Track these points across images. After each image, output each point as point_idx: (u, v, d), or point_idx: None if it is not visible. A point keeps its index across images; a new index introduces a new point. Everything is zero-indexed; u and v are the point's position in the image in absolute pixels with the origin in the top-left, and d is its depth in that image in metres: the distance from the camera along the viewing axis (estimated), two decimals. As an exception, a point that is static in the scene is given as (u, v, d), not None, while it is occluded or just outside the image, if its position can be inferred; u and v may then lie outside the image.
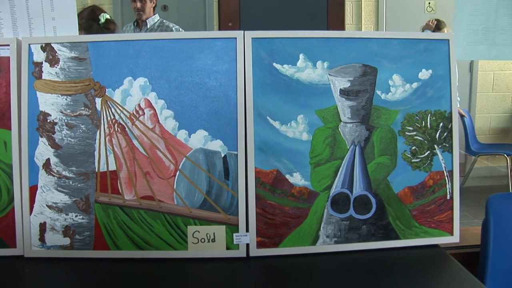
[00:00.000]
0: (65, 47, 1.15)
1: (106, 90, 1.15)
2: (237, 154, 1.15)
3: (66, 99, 1.15)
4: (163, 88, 1.15)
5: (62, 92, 1.15)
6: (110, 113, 1.16)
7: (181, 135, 1.15)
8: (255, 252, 1.15)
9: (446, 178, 1.22)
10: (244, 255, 1.15)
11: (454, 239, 1.22)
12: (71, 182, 1.15)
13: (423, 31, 3.58)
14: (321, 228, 1.17)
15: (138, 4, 3.24)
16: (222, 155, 1.16)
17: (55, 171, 1.15)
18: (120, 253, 1.15)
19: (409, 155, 1.21)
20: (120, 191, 1.16)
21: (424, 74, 1.21)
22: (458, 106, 3.75)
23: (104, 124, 1.16)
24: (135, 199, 1.16)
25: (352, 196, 1.18)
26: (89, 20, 2.47)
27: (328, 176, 1.18)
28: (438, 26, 3.61)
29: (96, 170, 1.15)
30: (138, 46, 1.16)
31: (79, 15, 2.41)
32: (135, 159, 1.16)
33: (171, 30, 3.24)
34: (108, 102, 1.15)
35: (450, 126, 1.22)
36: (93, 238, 1.15)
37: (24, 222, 1.15)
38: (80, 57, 1.15)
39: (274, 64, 1.16)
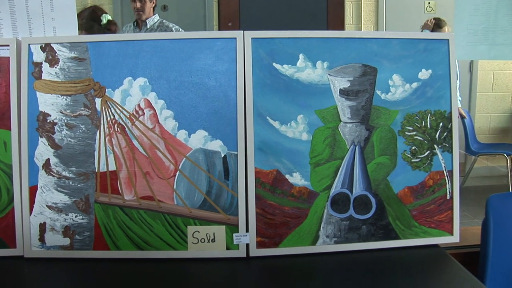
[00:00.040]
0: (65, 47, 1.15)
1: (106, 90, 1.15)
2: (237, 154, 1.15)
3: (66, 99, 1.15)
4: (163, 88, 1.15)
5: (62, 92, 1.15)
6: (110, 113, 1.16)
7: (181, 135, 1.15)
8: (255, 252, 1.15)
9: (446, 178, 1.22)
10: (244, 255, 1.15)
11: (454, 239, 1.22)
12: (71, 182, 1.15)
13: (422, 30, 3.58)
14: (321, 228, 1.17)
15: (138, 4, 3.24)
16: (222, 155, 1.16)
17: (55, 171, 1.15)
18: (120, 253, 1.15)
19: (409, 155, 1.21)
20: (120, 191, 1.16)
21: (424, 74, 1.21)
22: (460, 106, 3.76)
23: (104, 124, 1.16)
24: (135, 199, 1.16)
25: (352, 196, 1.18)
26: (90, 21, 2.46)
27: (328, 176, 1.18)
28: (438, 24, 3.60)
29: (96, 170, 1.15)
30: (138, 46, 1.16)
31: (79, 15, 2.41)
32: (135, 159, 1.16)
33: (171, 30, 3.24)
34: (108, 102, 1.15)
35: (450, 126, 1.22)
36: (93, 238, 1.15)
37: (24, 222, 1.15)
38: (79, 57, 1.15)
39: (274, 64, 1.16)
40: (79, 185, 1.15)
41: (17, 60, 1.15)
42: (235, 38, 1.16)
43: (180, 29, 3.27)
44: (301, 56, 1.17)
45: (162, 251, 1.15)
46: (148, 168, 1.16)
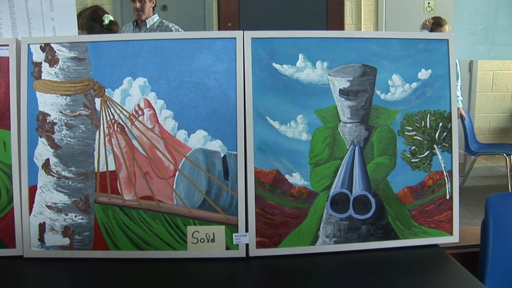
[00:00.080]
0: (65, 47, 1.15)
1: (106, 90, 1.15)
2: (236, 154, 1.15)
3: (65, 99, 1.15)
4: (162, 88, 1.15)
5: (61, 92, 1.15)
6: (110, 113, 1.16)
7: (181, 135, 1.15)
8: (254, 252, 1.15)
9: (446, 178, 1.22)
10: (244, 255, 1.15)
11: (453, 239, 1.22)
12: (70, 182, 1.15)
13: (421, 31, 3.57)
14: (321, 228, 1.17)
15: (138, 4, 3.24)
16: (222, 155, 1.15)
17: (55, 171, 1.15)
18: (119, 253, 1.15)
19: (408, 155, 1.21)
20: (119, 191, 1.16)
21: (424, 74, 1.21)
22: (461, 106, 3.76)
23: (103, 124, 1.16)
24: (134, 199, 1.16)
25: (352, 196, 1.18)
26: (91, 21, 2.45)
27: (327, 176, 1.18)
28: (438, 23, 3.58)
29: (96, 170, 1.15)
30: (138, 46, 1.16)
31: (80, 14, 2.40)
32: (134, 159, 1.16)
33: (171, 30, 3.24)
34: (108, 102, 1.15)
35: (449, 126, 1.22)
36: (93, 238, 1.15)
37: (23, 222, 1.15)
38: (79, 57, 1.15)
39: (274, 64, 1.16)
40: (78, 185, 1.15)
41: (16, 60, 1.15)
42: (235, 38, 1.16)
43: (180, 29, 3.27)
44: (300, 56, 1.17)
45: (162, 251, 1.15)
46: (147, 168, 1.16)
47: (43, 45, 1.15)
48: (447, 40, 1.22)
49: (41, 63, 1.15)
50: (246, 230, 1.15)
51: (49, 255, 1.15)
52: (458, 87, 3.71)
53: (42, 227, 1.15)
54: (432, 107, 1.21)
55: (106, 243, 1.15)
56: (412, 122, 1.20)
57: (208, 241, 1.15)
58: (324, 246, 1.17)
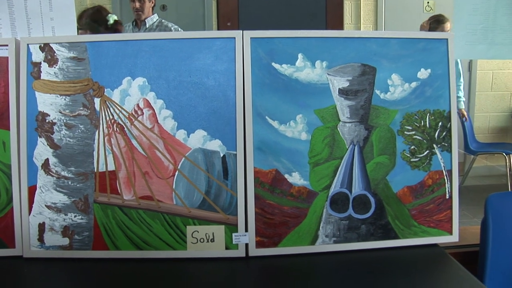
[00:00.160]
0: (64, 47, 1.15)
1: (105, 90, 1.15)
2: (236, 154, 1.15)
3: (64, 99, 1.15)
4: (162, 88, 1.15)
5: (60, 92, 1.15)
6: (109, 113, 1.16)
7: (180, 135, 1.15)
8: (254, 252, 1.15)
9: (445, 178, 1.22)
10: (243, 255, 1.15)
11: (453, 238, 1.22)
12: (70, 182, 1.15)
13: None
14: (320, 228, 1.17)
15: (137, 4, 3.24)
16: (221, 155, 1.15)
17: (54, 171, 1.15)
18: (119, 253, 1.15)
19: (408, 155, 1.21)
20: (119, 191, 1.16)
21: (423, 74, 1.21)
22: (464, 107, 3.76)
23: (103, 124, 1.16)
24: (134, 199, 1.16)
25: (351, 196, 1.18)
26: (95, 21, 2.43)
27: (327, 176, 1.18)
28: (440, 20, 3.56)
29: (95, 170, 1.15)
30: (137, 46, 1.16)
31: (82, 14, 2.39)
32: (134, 159, 1.16)
33: (170, 30, 3.24)
34: (107, 102, 1.15)
35: (449, 125, 1.22)
36: (92, 238, 1.15)
37: (23, 222, 1.15)
38: (78, 57, 1.15)
39: (273, 63, 1.16)
40: (78, 185, 1.15)
41: (16, 60, 1.15)
42: (234, 37, 1.16)
43: (179, 29, 3.27)
44: (300, 55, 1.17)
45: (161, 251, 1.15)
46: (147, 168, 1.16)
47: (42, 45, 1.15)
48: (447, 39, 1.22)
49: (40, 63, 1.15)
50: (246, 230, 1.15)
51: (48, 255, 1.15)
52: (461, 87, 3.70)
53: (41, 227, 1.15)
54: (431, 107, 1.21)
55: (105, 243, 1.15)
56: (411, 121, 1.20)
57: (207, 241, 1.15)
58: (323, 245, 1.17)
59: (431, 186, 1.21)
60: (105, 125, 1.16)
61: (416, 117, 1.21)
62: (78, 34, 2.16)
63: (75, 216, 1.15)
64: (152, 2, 3.30)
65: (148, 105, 1.15)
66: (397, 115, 1.20)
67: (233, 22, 4.34)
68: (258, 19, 4.35)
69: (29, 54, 1.15)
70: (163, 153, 1.16)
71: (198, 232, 1.15)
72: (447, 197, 1.22)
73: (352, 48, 1.18)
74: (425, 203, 1.21)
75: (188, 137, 1.15)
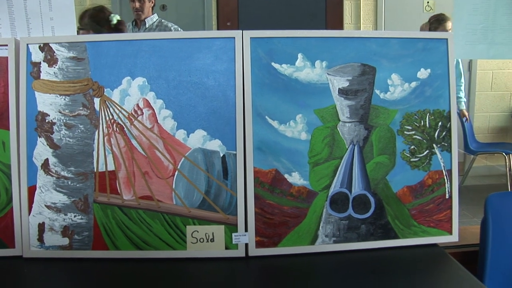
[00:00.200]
0: (64, 47, 1.15)
1: (105, 90, 1.15)
2: (235, 154, 1.15)
3: (64, 99, 1.15)
4: (161, 87, 1.15)
5: (60, 92, 1.15)
6: (109, 113, 1.16)
7: (180, 134, 1.15)
8: (254, 251, 1.15)
9: (445, 177, 1.22)
10: (243, 254, 1.15)
11: (453, 238, 1.22)
12: (69, 182, 1.15)
13: None
14: (320, 228, 1.17)
15: (137, 4, 3.23)
16: (221, 154, 1.15)
17: (54, 171, 1.15)
18: (119, 253, 1.15)
19: (408, 155, 1.21)
20: (118, 191, 1.15)
21: (423, 73, 1.21)
22: (465, 107, 3.75)
23: (102, 124, 1.15)
24: (133, 199, 1.16)
25: (351, 196, 1.18)
26: (94, 22, 2.41)
27: (327, 176, 1.18)
28: (441, 19, 3.55)
29: (95, 170, 1.15)
30: (137, 46, 1.15)
31: (84, 14, 2.38)
32: (133, 159, 1.16)
33: (170, 30, 3.23)
34: (107, 102, 1.15)
35: (448, 125, 1.22)
36: (92, 238, 1.15)
37: (22, 222, 1.15)
38: (78, 57, 1.15)
39: (273, 63, 1.16)
40: (78, 185, 1.15)
41: (15, 60, 1.15)
42: (234, 37, 1.16)
43: (179, 29, 3.26)
44: (300, 55, 1.17)
45: (161, 251, 1.15)
46: (147, 168, 1.16)
47: (42, 45, 1.15)
48: (446, 39, 1.22)
49: (40, 63, 1.15)
50: (246, 230, 1.15)
51: (48, 255, 1.15)
52: (462, 87, 3.69)
53: (41, 227, 1.15)
54: (431, 107, 1.21)
55: (105, 243, 1.15)
56: (411, 121, 1.20)
57: (207, 241, 1.15)
58: (323, 245, 1.17)
59: (431, 186, 1.21)
60: (104, 125, 1.15)
61: (416, 117, 1.21)
62: (80, 34, 2.16)
63: (75, 216, 1.15)
64: (152, 2, 3.30)
65: (148, 105, 1.15)
66: (397, 115, 1.20)
67: (233, 22, 4.34)
68: (258, 19, 4.35)
69: (28, 54, 1.15)
70: (163, 153, 1.16)
71: (198, 232, 1.15)
72: (447, 197, 1.22)
73: (352, 48, 1.18)
74: (425, 203, 1.21)
75: (188, 137, 1.15)
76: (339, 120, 1.18)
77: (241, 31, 1.16)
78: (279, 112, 1.16)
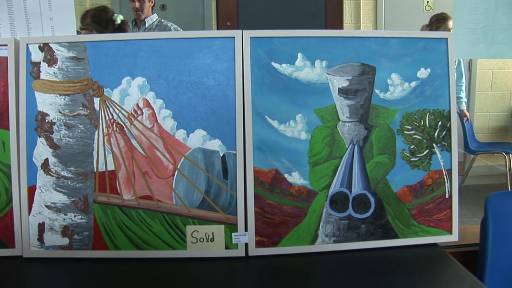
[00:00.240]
0: (63, 47, 1.15)
1: (104, 89, 1.15)
2: (235, 154, 1.15)
3: (64, 99, 1.15)
4: (161, 87, 1.15)
5: (60, 92, 1.15)
6: (109, 113, 1.15)
7: (180, 134, 1.15)
8: (254, 251, 1.15)
9: (445, 177, 1.22)
10: (243, 254, 1.15)
11: (453, 238, 1.22)
12: (69, 182, 1.15)
13: None
14: (320, 227, 1.17)
15: (137, 4, 3.23)
16: (221, 154, 1.15)
17: (54, 171, 1.15)
18: (119, 253, 1.15)
19: (408, 154, 1.21)
20: (118, 191, 1.15)
21: (423, 73, 1.21)
22: (465, 108, 3.75)
23: (102, 124, 1.15)
24: (133, 199, 1.15)
25: (351, 195, 1.18)
26: (97, 22, 2.41)
27: (326, 175, 1.18)
28: (442, 18, 3.54)
29: (95, 170, 1.15)
30: (137, 46, 1.15)
31: (86, 14, 2.37)
32: (133, 158, 1.16)
33: (170, 30, 3.23)
34: (107, 102, 1.15)
35: (448, 125, 1.22)
36: (92, 238, 1.15)
37: (22, 222, 1.15)
38: (78, 57, 1.15)
39: (273, 63, 1.16)
40: (77, 185, 1.15)
41: (15, 60, 1.15)
42: (234, 37, 1.16)
43: (179, 29, 3.26)
44: (299, 55, 1.17)
45: (161, 250, 1.15)
46: (147, 167, 1.16)
47: (41, 45, 1.15)
48: (446, 39, 1.22)
49: (39, 63, 1.15)
50: (246, 230, 1.15)
51: (48, 255, 1.15)
52: (463, 88, 3.69)
53: (41, 227, 1.15)
54: (431, 106, 1.21)
55: (105, 243, 1.15)
56: (411, 121, 1.20)
57: (207, 241, 1.15)
58: (323, 245, 1.17)
59: (431, 186, 1.21)
60: (104, 125, 1.15)
61: (416, 116, 1.21)
62: (82, 34, 2.15)
63: (74, 216, 1.15)
64: (152, 2, 3.30)
65: (148, 104, 1.15)
66: (396, 115, 1.20)
67: (233, 21, 4.34)
68: (257, 18, 4.35)
69: (28, 54, 1.15)
70: (163, 152, 1.15)
71: (197, 231, 1.15)
72: (447, 196, 1.22)
73: (352, 48, 1.18)
74: (425, 203, 1.21)
75: (188, 136, 1.15)
76: (339, 120, 1.18)
77: (241, 30, 1.16)
78: (279, 111, 1.16)
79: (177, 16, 4.28)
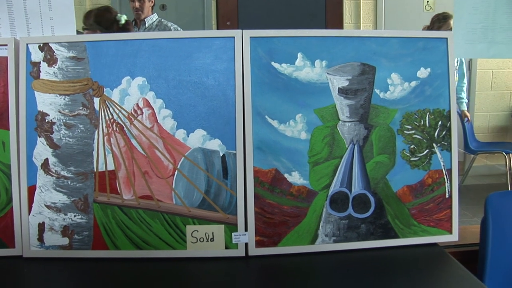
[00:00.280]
0: (63, 47, 1.15)
1: (104, 89, 1.15)
2: (235, 153, 1.15)
3: (64, 99, 1.15)
4: (161, 87, 1.15)
5: (60, 92, 1.15)
6: (109, 112, 1.15)
7: (180, 134, 1.15)
8: (254, 251, 1.15)
9: (445, 177, 1.22)
10: (243, 254, 1.15)
11: (453, 237, 1.22)
12: (69, 182, 1.15)
13: None
14: (320, 227, 1.17)
15: (137, 4, 3.23)
16: (221, 154, 1.15)
17: (54, 171, 1.15)
18: (119, 253, 1.15)
19: (408, 154, 1.21)
20: (118, 190, 1.15)
21: (423, 73, 1.21)
22: (466, 108, 3.75)
23: (102, 124, 1.15)
24: (133, 199, 1.15)
25: (351, 195, 1.18)
26: (100, 22, 2.39)
27: (326, 175, 1.18)
28: (446, 17, 3.53)
29: (95, 170, 1.15)
30: (136, 46, 1.15)
31: (89, 14, 2.36)
32: (133, 158, 1.16)
33: (170, 29, 3.23)
34: (106, 102, 1.15)
35: (448, 124, 1.22)
36: (92, 238, 1.15)
37: (22, 222, 1.15)
38: (78, 57, 1.15)
39: (273, 63, 1.16)
40: (77, 185, 1.15)
41: (15, 60, 1.15)
42: (234, 37, 1.16)
43: (179, 28, 3.26)
44: (299, 55, 1.17)
45: (161, 250, 1.15)
46: (146, 167, 1.16)
47: (41, 44, 1.15)
48: (446, 38, 1.22)
49: (39, 62, 1.15)
50: (246, 229, 1.15)
51: (48, 255, 1.15)
52: (464, 88, 3.68)
53: (41, 227, 1.15)
54: (431, 106, 1.21)
55: (105, 243, 1.15)
56: (411, 120, 1.20)
57: (207, 241, 1.15)
58: (323, 245, 1.17)
59: (431, 185, 1.21)
60: (104, 125, 1.15)
61: (416, 116, 1.21)
62: (84, 34, 2.14)
63: (74, 216, 1.15)
64: (152, 2, 3.30)
65: (148, 104, 1.15)
66: (396, 114, 1.20)
67: (233, 21, 4.34)
68: (257, 18, 4.35)
69: (28, 53, 1.15)
70: (163, 152, 1.15)
71: (197, 231, 1.15)
72: (447, 196, 1.22)
73: (352, 47, 1.18)
74: (425, 202, 1.21)
75: (188, 136, 1.15)
76: (339, 120, 1.18)
77: (241, 30, 1.16)
78: (279, 111, 1.16)
79: (177, 16, 4.28)
